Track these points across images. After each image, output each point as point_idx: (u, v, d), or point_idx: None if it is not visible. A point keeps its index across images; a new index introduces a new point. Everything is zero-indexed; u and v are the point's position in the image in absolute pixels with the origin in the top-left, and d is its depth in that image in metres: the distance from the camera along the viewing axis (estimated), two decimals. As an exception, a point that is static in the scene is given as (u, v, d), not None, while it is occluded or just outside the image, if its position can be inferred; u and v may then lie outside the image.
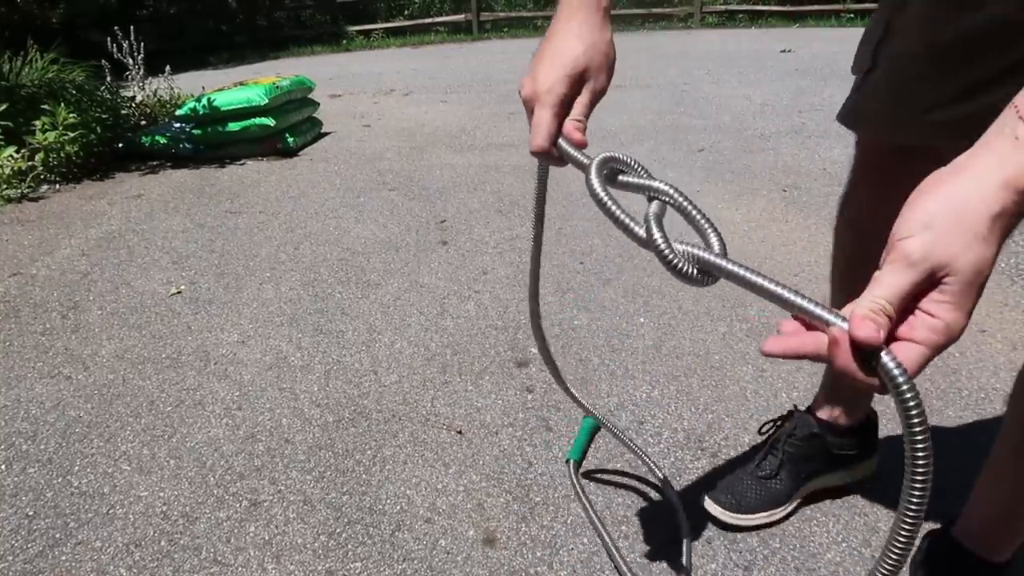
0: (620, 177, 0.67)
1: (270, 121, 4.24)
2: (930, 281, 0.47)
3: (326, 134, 4.94)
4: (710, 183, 3.35)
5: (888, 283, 0.48)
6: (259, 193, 3.64)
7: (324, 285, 2.46)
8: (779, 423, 1.35)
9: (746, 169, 3.54)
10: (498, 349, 1.97)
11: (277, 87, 4.32)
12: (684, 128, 4.48)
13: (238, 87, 4.38)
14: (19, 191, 3.68)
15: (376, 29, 12.55)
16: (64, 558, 1.32)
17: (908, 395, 0.45)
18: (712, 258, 0.57)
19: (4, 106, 3.86)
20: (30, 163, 3.81)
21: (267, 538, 1.34)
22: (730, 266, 0.55)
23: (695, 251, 0.58)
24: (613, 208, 0.63)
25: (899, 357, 0.46)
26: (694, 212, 0.63)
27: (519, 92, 0.77)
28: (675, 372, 1.79)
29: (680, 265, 0.57)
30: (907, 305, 0.48)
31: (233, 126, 4.25)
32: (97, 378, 1.93)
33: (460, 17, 12.89)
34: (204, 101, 4.23)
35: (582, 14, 0.75)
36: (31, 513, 1.44)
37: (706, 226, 0.62)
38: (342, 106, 6.01)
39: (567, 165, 0.76)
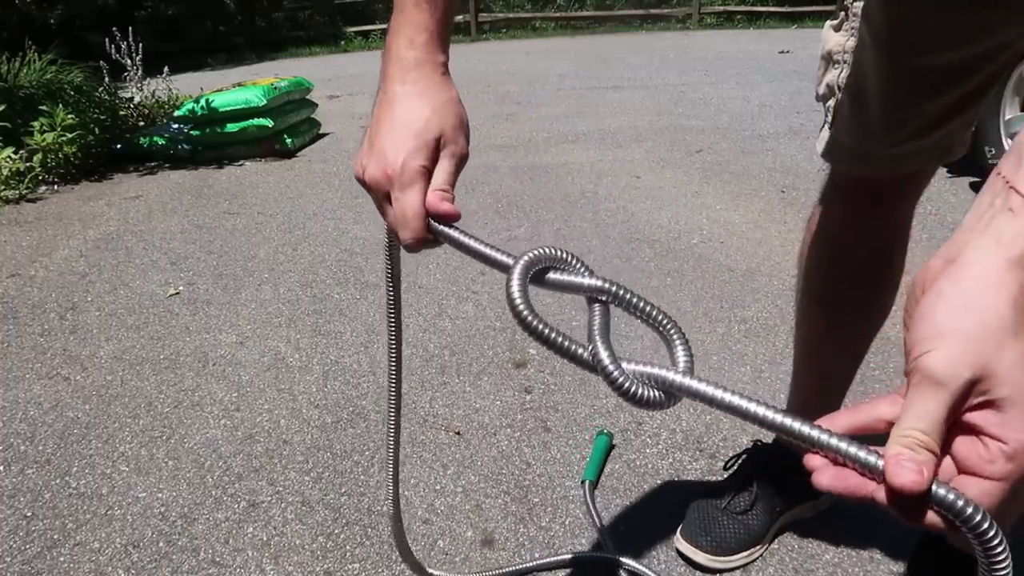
0: (550, 275, 0.53)
1: (268, 122, 4.24)
2: (965, 400, 0.40)
3: (324, 135, 4.94)
4: (708, 184, 3.35)
5: (920, 411, 0.40)
6: (257, 194, 3.64)
7: (322, 286, 2.46)
8: (743, 457, 1.32)
9: (744, 170, 3.55)
10: (496, 350, 1.97)
11: (275, 88, 4.32)
12: (682, 129, 4.48)
13: (236, 88, 4.38)
14: (17, 192, 3.67)
15: (374, 30, 12.54)
16: (62, 559, 1.32)
17: (995, 543, 0.37)
18: (678, 379, 0.48)
19: (2, 107, 3.86)
20: (28, 164, 3.81)
21: (265, 539, 1.34)
22: (704, 387, 0.46)
23: (653, 370, 0.48)
24: (540, 327, 0.51)
25: (975, 496, 0.38)
26: (651, 310, 0.51)
27: (357, 176, 0.64)
28: (673, 373, 1.79)
29: (636, 391, 0.48)
30: (952, 431, 0.40)
31: (231, 127, 4.25)
32: (95, 379, 1.93)
33: (458, 18, 12.89)
34: (202, 102, 4.23)
35: (418, 73, 0.63)
36: (29, 514, 1.44)
37: (669, 328, 0.51)
38: (340, 107, 6.01)
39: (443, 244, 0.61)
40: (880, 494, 0.40)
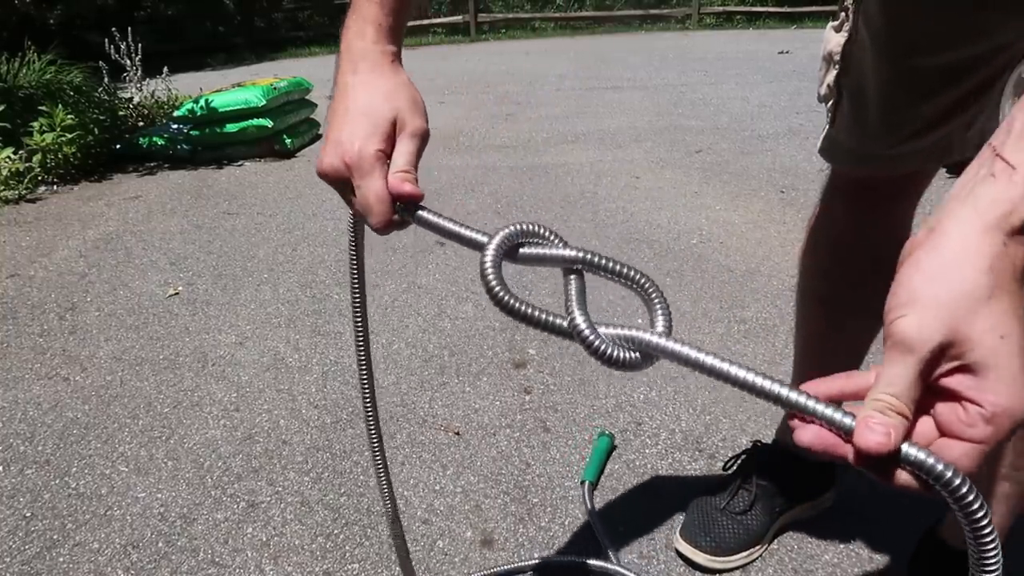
0: (523, 250, 0.53)
1: (268, 122, 4.23)
2: (937, 365, 0.40)
3: (323, 135, 4.94)
4: (708, 184, 3.35)
5: (891, 376, 0.41)
6: (257, 194, 3.64)
7: (322, 286, 2.46)
8: (743, 457, 1.33)
9: (744, 170, 3.55)
10: (496, 350, 1.97)
11: (275, 88, 4.32)
12: (682, 129, 4.48)
13: (236, 88, 4.38)
14: (17, 192, 3.67)
15: (374, 30, 12.53)
16: (62, 559, 1.32)
17: (970, 499, 0.37)
18: (654, 339, 0.47)
19: (2, 107, 3.86)
20: (27, 164, 3.80)
21: (265, 539, 1.34)
22: (678, 347, 0.45)
23: (629, 332, 0.48)
24: (514, 303, 0.51)
25: (953, 458, 0.39)
26: (629, 272, 0.50)
27: (319, 171, 0.64)
28: (672, 373, 1.79)
29: (610, 352, 0.48)
30: (928, 397, 0.41)
31: (231, 127, 4.25)
32: (95, 379, 1.93)
33: (458, 18, 12.89)
34: (202, 102, 4.23)
35: (367, 63, 0.64)
36: (29, 514, 1.44)
37: (649, 289, 0.50)
38: (340, 107, 6.00)
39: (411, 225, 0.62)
40: (853, 454, 0.41)
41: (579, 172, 3.67)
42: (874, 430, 0.39)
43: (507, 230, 0.52)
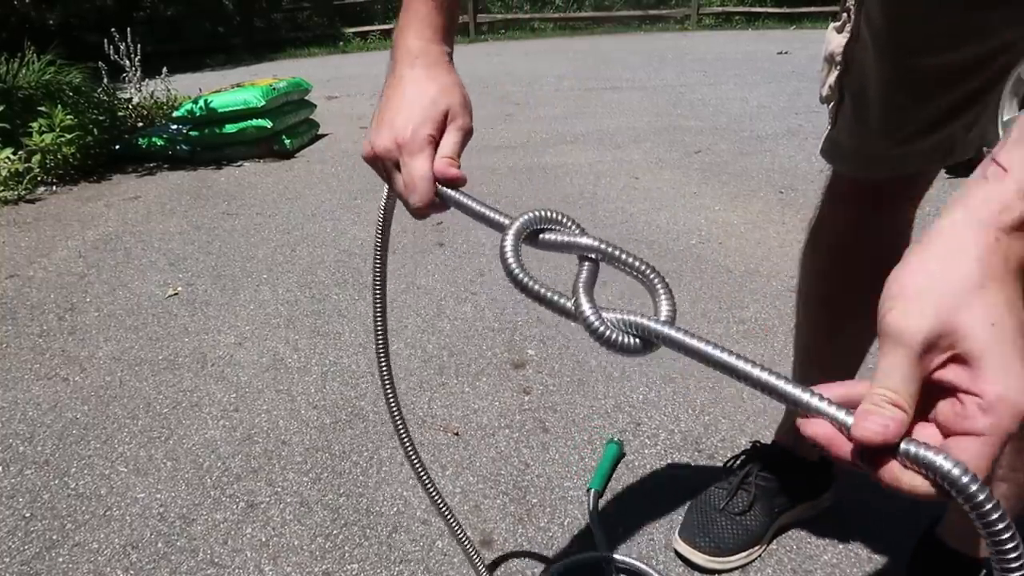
0: (543, 236, 0.56)
1: (267, 123, 4.24)
2: (937, 355, 0.40)
3: (323, 136, 4.94)
4: (707, 185, 3.36)
5: (885, 370, 0.40)
6: (256, 195, 3.64)
7: (321, 287, 2.46)
8: (742, 457, 1.33)
9: (743, 171, 3.55)
10: (495, 351, 1.97)
11: (274, 89, 4.32)
12: (681, 130, 4.49)
13: (235, 89, 4.38)
14: (16, 193, 3.67)
15: (373, 31, 12.55)
16: (61, 560, 1.32)
17: (981, 498, 0.36)
18: (656, 326, 0.47)
19: (1, 108, 3.86)
20: (27, 165, 3.80)
21: (264, 539, 1.34)
22: (679, 335, 0.46)
23: (633, 318, 0.48)
24: (526, 280, 0.53)
25: (958, 456, 0.37)
26: (639, 265, 0.52)
27: (365, 154, 0.69)
28: (671, 374, 1.79)
29: (613, 336, 0.48)
30: (929, 392, 0.41)
31: (230, 128, 4.25)
32: (94, 380, 1.93)
33: (457, 19, 12.89)
34: (201, 103, 4.23)
35: (426, 59, 0.69)
36: (28, 515, 1.44)
37: (655, 281, 0.51)
38: (339, 108, 6.01)
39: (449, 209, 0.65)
40: (851, 450, 0.40)
41: (578, 172, 3.67)
42: (870, 422, 0.38)
43: (528, 215, 0.55)
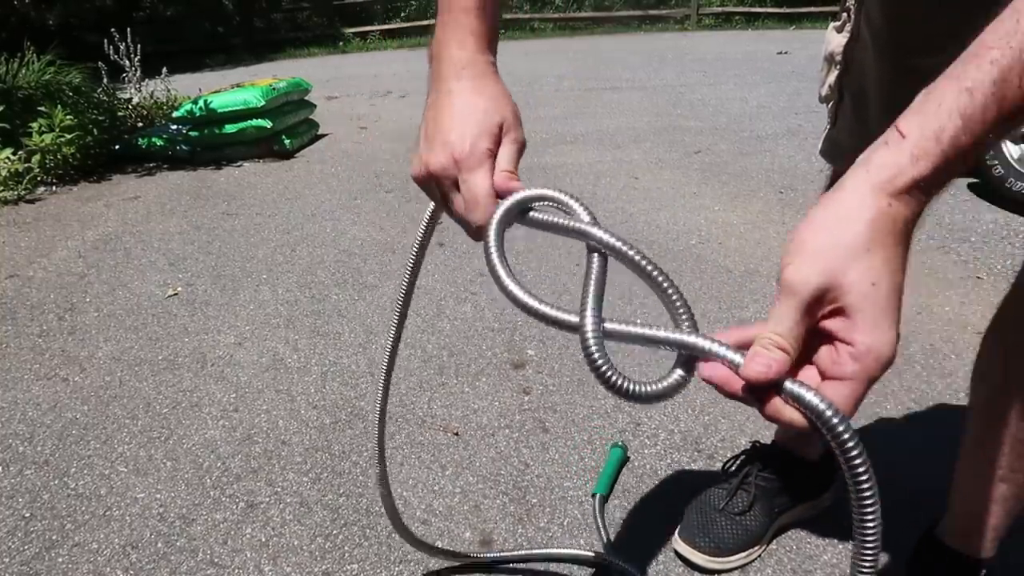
0: (533, 213, 0.59)
1: (267, 123, 4.23)
2: (818, 308, 0.45)
3: (323, 136, 4.94)
4: (707, 185, 3.36)
5: (776, 316, 0.45)
6: (256, 195, 3.64)
7: (321, 287, 2.46)
8: (742, 457, 1.33)
9: (743, 171, 3.55)
10: (495, 351, 1.97)
11: (274, 89, 4.32)
12: (681, 130, 4.49)
13: (235, 89, 4.38)
14: (16, 193, 3.67)
15: (373, 31, 12.54)
16: (61, 560, 1.32)
17: (840, 429, 0.41)
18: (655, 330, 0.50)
19: (1, 108, 3.86)
20: (27, 165, 3.80)
21: (264, 540, 1.34)
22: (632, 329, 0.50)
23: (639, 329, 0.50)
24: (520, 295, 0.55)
25: (828, 396, 0.43)
26: (652, 269, 0.52)
27: (417, 174, 0.65)
28: (671, 373, 1.79)
29: (617, 382, 0.49)
30: (813, 342, 0.46)
31: (230, 128, 4.25)
32: (94, 380, 1.93)
33: (457, 19, 12.87)
34: (201, 103, 4.23)
35: (473, 70, 0.65)
36: (28, 515, 1.44)
37: (668, 287, 0.52)
38: (339, 108, 6.01)
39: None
40: (741, 387, 0.46)
41: (578, 172, 3.67)
42: (757, 362, 0.44)
43: (548, 193, 0.58)
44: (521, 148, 0.65)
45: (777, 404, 0.45)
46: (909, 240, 0.46)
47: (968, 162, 0.45)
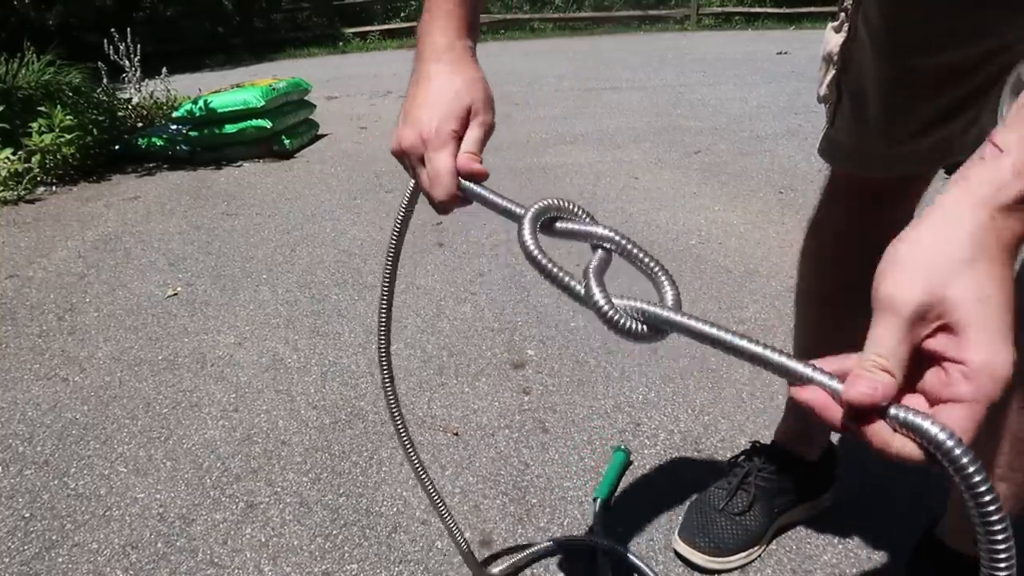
0: (558, 224, 0.60)
1: (266, 123, 4.23)
2: (922, 327, 0.42)
3: (322, 136, 4.94)
4: (706, 185, 3.36)
5: (876, 337, 0.42)
6: (255, 195, 3.64)
7: (321, 287, 2.46)
8: (741, 458, 1.32)
9: (742, 171, 3.55)
10: (494, 351, 1.97)
11: (273, 89, 4.32)
12: (680, 130, 4.49)
13: (235, 89, 4.38)
14: (15, 193, 3.67)
15: (373, 31, 12.54)
16: (60, 560, 1.32)
17: (964, 461, 0.36)
18: (663, 312, 0.50)
19: (1, 108, 3.86)
20: (26, 165, 3.80)
21: (264, 540, 1.34)
22: (685, 320, 0.48)
23: (641, 305, 0.52)
24: (544, 262, 0.56)
25: (944, 421, 0.38)
26: (645, 259, 0.56)
27: (393, 149, 0.71)
28: (671, 374, 1.79)
29: (622, 322, 0.51)
30: (919, 364, 0.43)
31: (229, 128, 4.25)
32: (93, 380, 1.93)
33: (457, 19, 12.87)
34: (200, 103, 4.23)
35: (451, 55, 0.70)
36: (27, 515, 1.44)
37: (660, 274, 0.55)
38: (338, 108, 6.01)
39: (472, 204, 0.68)
40: (824, 414, 0.43)
41: (578, 173, 3.67)
42: (860, 385, 0.40)
43: (544, 203, 0.59)
44: (488, 131, 0.70)
45: (884, 433, 0.41)
46: (1015, 258, 0.43)
47: None
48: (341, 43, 12.13)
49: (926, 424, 0.38)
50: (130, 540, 1.36)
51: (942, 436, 0.37)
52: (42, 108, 3.97)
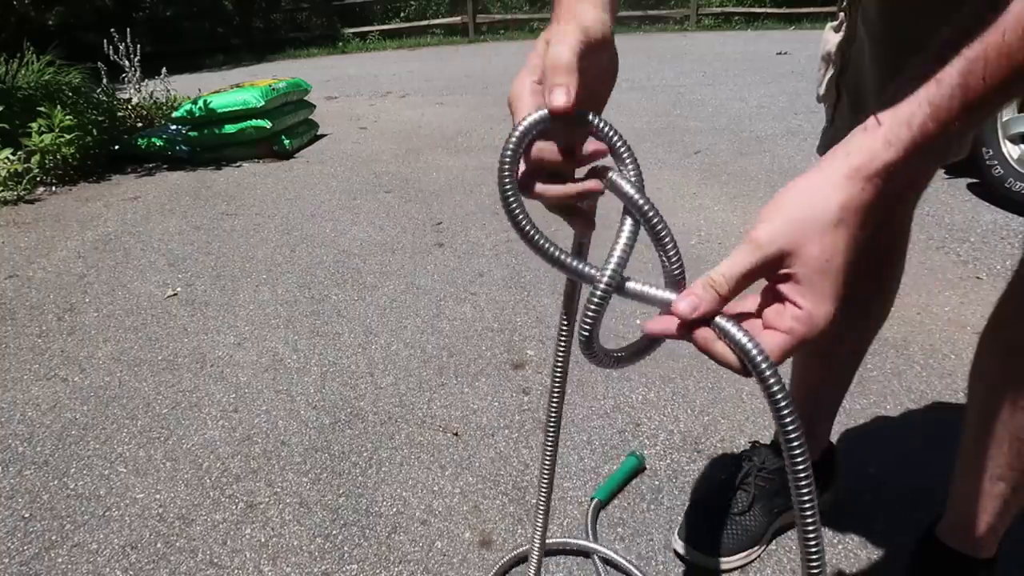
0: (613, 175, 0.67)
1: (266, 123, 4.24)
2: (777, 267, 0.50)
3: (322, 136, 4.94)
4: (706, 185, 3.36)
5: (730, 259, 0.51)
6: (255, 195, 3.64)
7: (320, 287, 2.46)
8: (742, 458, 1.32)
9: (742, 171, 3.55)
10: (494, 351, 1.97)
11: (273, 89, 4.32)
12: (680, 130, 4.49)
13: (234, 89, 4.38)
14: (15, 193, 3.67)
15: (372, 31, 12.56)
16: (60, 560, 1.32)
17: (763, 366, 0.46)
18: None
19: (0, 108, 3.86)
20: (26, 165, 3.80)
21: (263, 540, 1.34)
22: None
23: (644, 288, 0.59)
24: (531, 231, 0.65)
25: (762, 343, 0.48)
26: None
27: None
28: (671, 374, 1.79)
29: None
30: (768, 301, 0.51)
31: (229, 128, 4.25)
32: (93, 380, 1.93)
33: (456, 19, 12.90)
34: (200, 103, 4.23)
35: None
36: (27, 515, 1.44)
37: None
38: (338, 108, 6.01)
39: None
40: (663, 324, 0.52)
41: (577, 172, 3.66)
42: (685, 301, 0.50)
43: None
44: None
45: (709, 338, 0.50)
46: (873, 218, 0.50)
47: (937, 151, 0.49)
48: (341, 43, 12.14)
49: (739, 335, 0.47)
50: (130, 540, 1.36)
51: (749, 345, 0.47)
52: (42, 108, 3.97)
